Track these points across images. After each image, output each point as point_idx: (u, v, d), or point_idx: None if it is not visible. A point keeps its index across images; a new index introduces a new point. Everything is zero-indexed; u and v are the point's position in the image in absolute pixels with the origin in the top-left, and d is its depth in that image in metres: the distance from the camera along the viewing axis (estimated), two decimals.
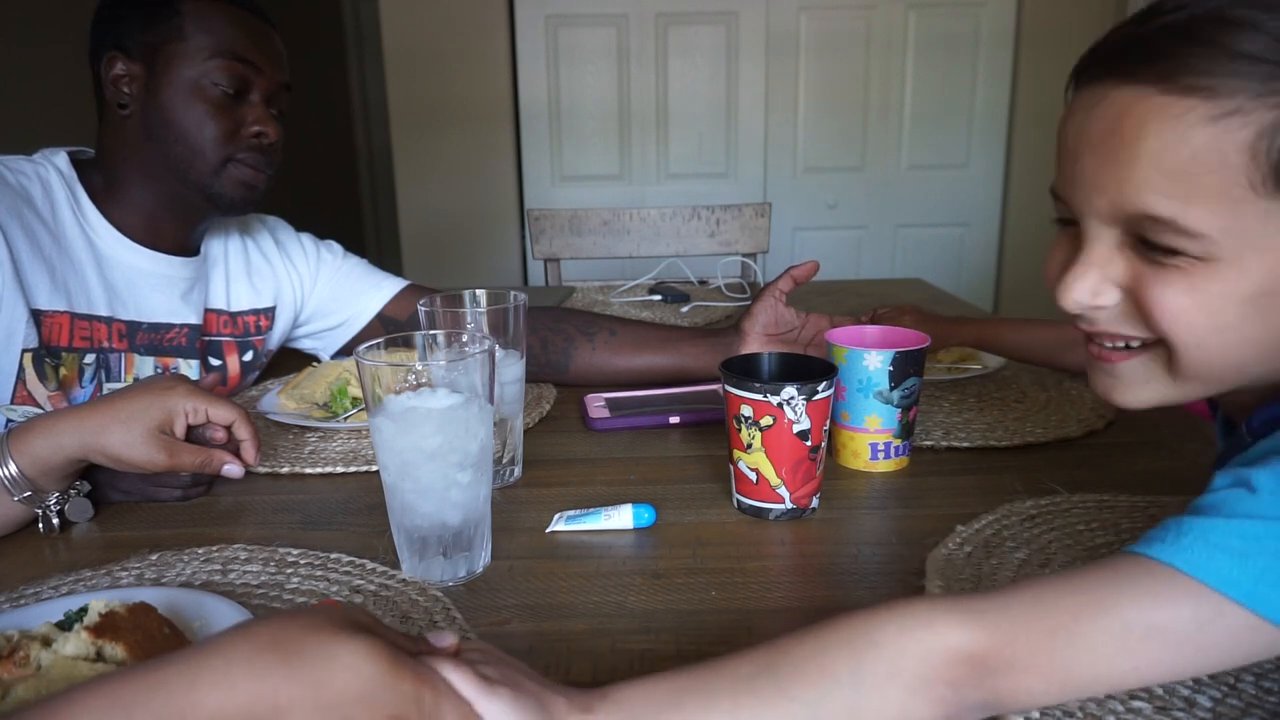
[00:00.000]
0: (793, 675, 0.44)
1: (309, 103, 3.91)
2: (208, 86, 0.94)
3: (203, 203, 0.99)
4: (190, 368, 1.04)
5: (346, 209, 5.19)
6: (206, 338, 1.07)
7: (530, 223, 2.03)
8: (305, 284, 1.17)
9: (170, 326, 1.03)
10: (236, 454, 0.79)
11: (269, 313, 1.13)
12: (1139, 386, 0.53)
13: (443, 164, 3.16)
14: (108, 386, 0.97)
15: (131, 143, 0.96)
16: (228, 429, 0.78)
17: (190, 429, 0.77)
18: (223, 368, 1.09)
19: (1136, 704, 0.49)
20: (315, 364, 1.09)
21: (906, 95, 3.14)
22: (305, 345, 1.23)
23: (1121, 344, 0.53)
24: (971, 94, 3.14)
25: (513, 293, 0.82)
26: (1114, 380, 0.54)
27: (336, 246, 1.22)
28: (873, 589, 0.62)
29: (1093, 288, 0.51)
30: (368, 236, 5.37)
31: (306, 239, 1.19)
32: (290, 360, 1.20)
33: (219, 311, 1.09)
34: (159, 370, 1.02)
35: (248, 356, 1.11)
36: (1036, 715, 0.47)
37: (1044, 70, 3.11)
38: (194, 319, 1.05)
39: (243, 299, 1.11)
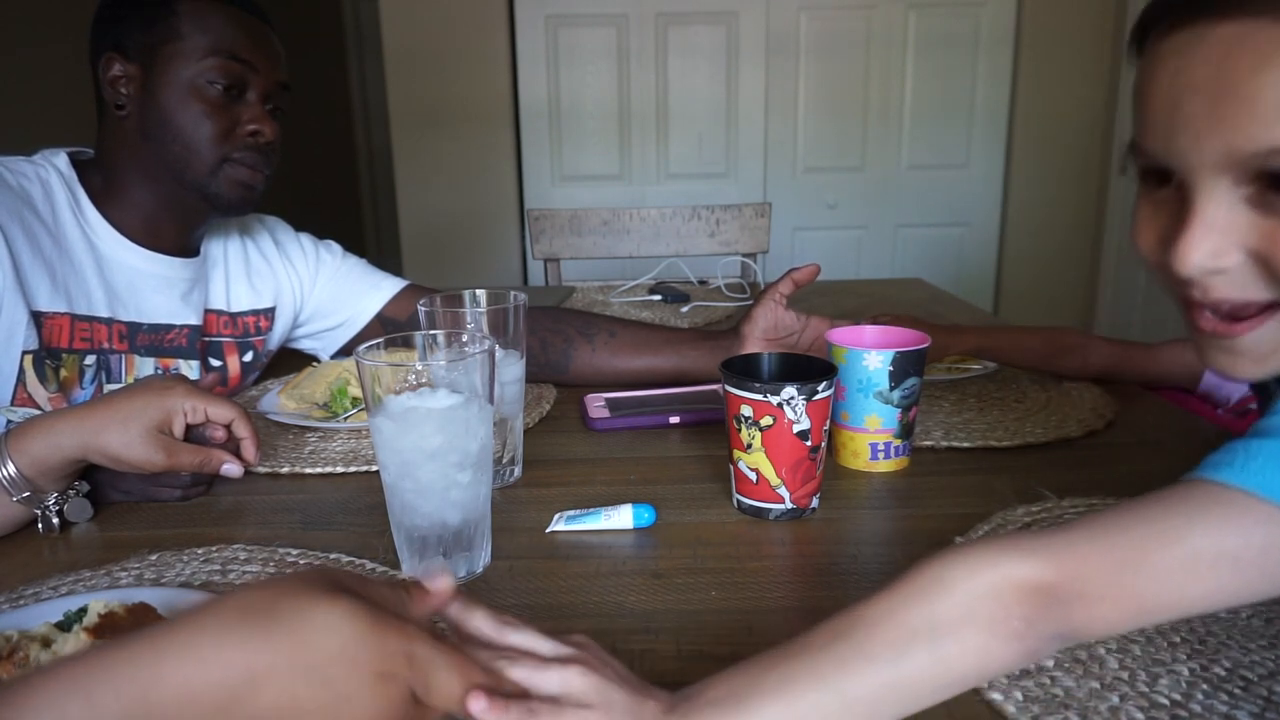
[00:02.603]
0: (870, 636, 0.44)
1: (309, 103, 3.91)
2: (204, 86, 0.94)
3: (200, 203, 0.99)
4: (190, 368, 1.04)
5: (346, 209, 5.19)
6: (207, 338, 1.07)
7: (530, 223, 2.03)
8: (305, 284, 1.17)
9: (170, 327, 1.03)
10: (236, 453, 0.79)
11: (269, 313, 1.13)
12: (1267, 356, 0.47)
13: (443, 164, 3.16)
14: (108, 388, 0.97)
15: (130, 143, 0.96)
16: (227, 428, 0.78)
17: (190, 428, 0.77)
18: (223, 368, 1.09)
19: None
20: (315, 364, 1.09)
21: (906, 95, 3.14)
22: (305, 345, 1.23)
23: (1242, 311, 0.46)
24: (971, 94, 3.14)
25: (513, 293, 0.82)
26: (1235, 355, 0.48)
27: (336, 247, 1.22)
28: (873, 589, 0.62)
29: (1214, 249, 0.45)
30: (368, 236, 5.37)
31: (306, 239, 1.19)
32: (290, 360, 1.20)
33: (219, 312, 1.09)
34: (159, 371, 1.02)
35: (248, 357, 1.11)
36: None
37: (1044, 70, 3.11)
38: (194, 320, 1.05)
39: (243, 300, 1.11)
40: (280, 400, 1.01)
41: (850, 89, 3.13)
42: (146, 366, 1.01)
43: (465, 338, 0.72)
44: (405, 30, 3.05)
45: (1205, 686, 0.51)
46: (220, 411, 0.77)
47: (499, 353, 0.75)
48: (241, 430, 0.79)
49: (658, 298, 1.64)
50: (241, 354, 1.11)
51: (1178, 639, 0.55)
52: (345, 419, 0.96)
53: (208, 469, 0.77)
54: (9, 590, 0.63)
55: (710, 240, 2.02)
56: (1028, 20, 3.07)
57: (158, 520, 0.76)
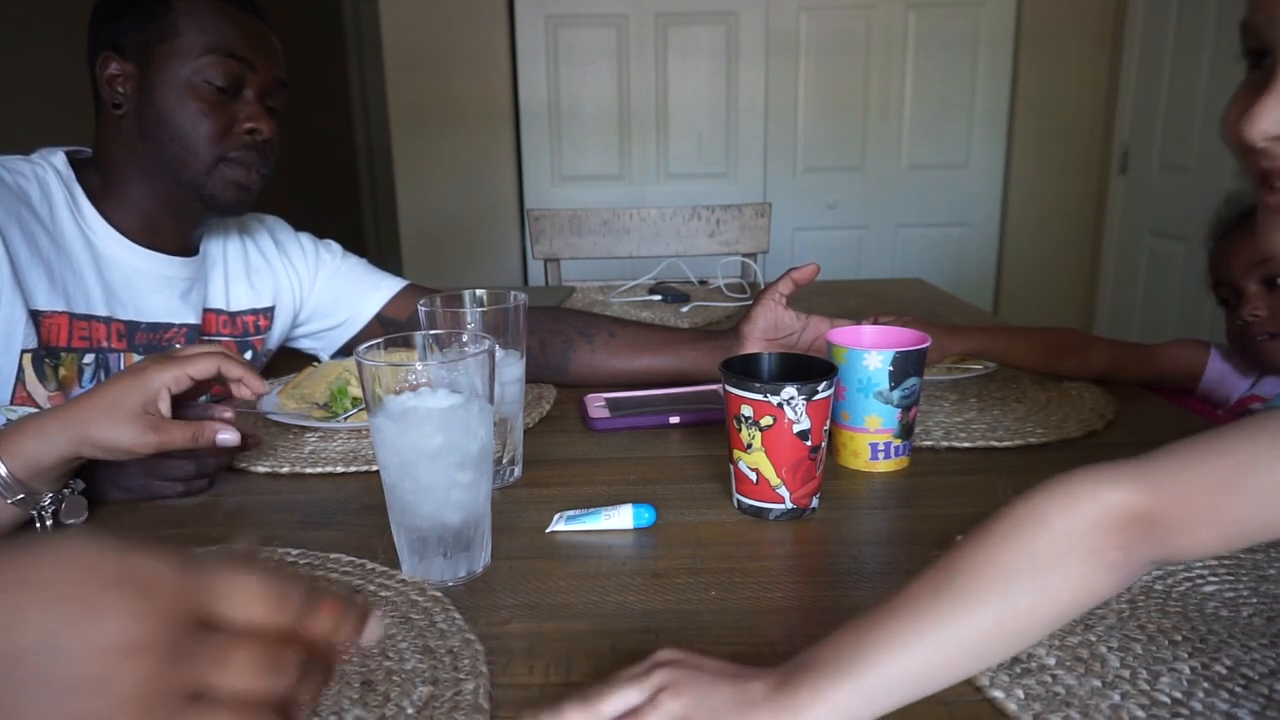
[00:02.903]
0: (974, 580, 0.45)
1: (309, 103, 3.91)
2: (200, 84, 0.94)
3: (196, 203, 0.99)
4: None
5: (346, 209, 5.19)
6: (206, 338, 1.07)
7: (530, 223, 2.03)
8: (304, 284, 1.17)
9: (169, 326, 1.03)
10: (237, 448, 0.79)
11: (268, 312, 1.13)
12: None
13: (443, 164, 3.16)
14: None
15: (127, 142, 0.96)
16: (227, 396, 0.77)
17: (186, 404, 0.77)
18: None
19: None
20: (315, 364, 1.09)
21: (906, 95, 3.14)
22: (305, 345, 1.23)
23: None
24: (971, 94, 3.14)
25: (513, 293, 0.82)
26: None
27: (335, 246, 1.22)
28: (873, 589, 0.62)
29: None
30: (368, 236, 5.37)
31: (305, 239, 1.19)
32: (290, 360, 1.20)
33: (218, 311, 1.09)
34: None
35: (247, 356, 1.11)
36: None
37: (1044, 70, 3.11)
38: (193, 319, 1.05)
39: (242, 299, 1.11)
40: (280, 400, 1.01)
41: (850, 89, 3.13)
42: None
43: (465, 338, 0.72)
44: (405, 30, 3.05)
45: (1206, 685, 0.51)
46: (201, 367, 0.76)
47: (499, 353, 0.75)
48: (233, 371, 0.78)
49: (658, 298, 1.64)
50: (240, 353, 1.11)
51: (1179, 637, 0.55)
52: (345, 419, 0.96)
53: (202, 441, 0.76)
54: None
55: (710, 240, 2.02)
56: (1028, 20, 3.07)
57: (157, 520, 0.76)
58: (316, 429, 0.96)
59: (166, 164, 0.96)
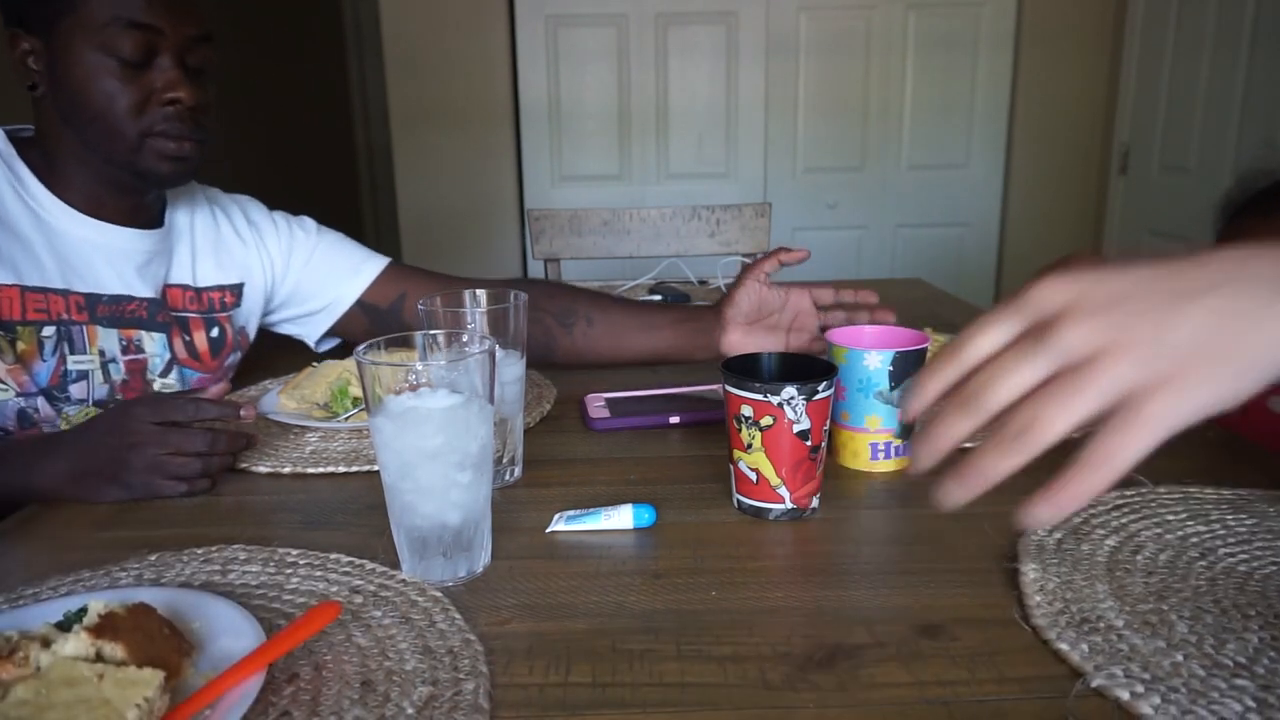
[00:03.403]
0: None
1: (309, 102, 3.91)
2: (106, 59, 0.90)
3: (134, 179, 0.97)
4: (154, 341, 1.04)
5: (346, 209, 5.18)
6: (173, 313, 1.06)
7: (530, 223, 2.03)
8: (276, 263, 1.15)
9: (130, 299, 1.01)
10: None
11: (235, 289, 1.12)
12: None
13: (443, 164, 3.16)
14: (71, 359, 0.96)
15: (54, 122, 0.94)
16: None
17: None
18: (190, 345, 1.08)
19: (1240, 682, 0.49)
20: (315, 364, 1.09)
21: (906, 95, 3.14)
22: (288, 330, 1.21)
23: None
24: (971, 94, 3.15)
25: (513, 292, 0.82)
26: None
27: (310, 222, 1.19)
28: (873, 589, 0.62)
29: None
30: (368, 237, 5.36)
31: (280, 217, 1.17)
32: (290, 360, 1.20)
33: (184, 287, 1.08)
34: (123, 343, 1.01)
35: (214, 333, 1.10)
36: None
37: (1044, 70, 3.11)
38: (150, 293, 1.03)
39: (209, 275, 1.10)
40: (280, 400, 1.01)
41: (850, 89, 3.13)
42: (110, 338, 1.00)
43: (465, 338, 0.72)
44: (405, 30, 3.05)
45: (1272, 653, 0.51)
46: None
47: (499, 353, 0.75)
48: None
49: (658, 298, 1.64)
50: (208, 330, 1.09)
51: (1253, 613, 0.56)
52: (346, 419, 0.96)
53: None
54: (9, 590, 0.63)
55: (710, 240, 2.02)
56: (1028, 20, 3.07)
57: (157, 520, 0.76)
58: (317, 429, 0.96)
59: (93, 144, 0.93)
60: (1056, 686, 0.50)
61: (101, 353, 0.99)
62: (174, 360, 1.06)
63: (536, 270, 3.17)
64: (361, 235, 5.24)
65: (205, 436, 0.79)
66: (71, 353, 0.96)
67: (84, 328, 0.97)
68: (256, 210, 1.17)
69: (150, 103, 0.92)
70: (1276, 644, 0.52)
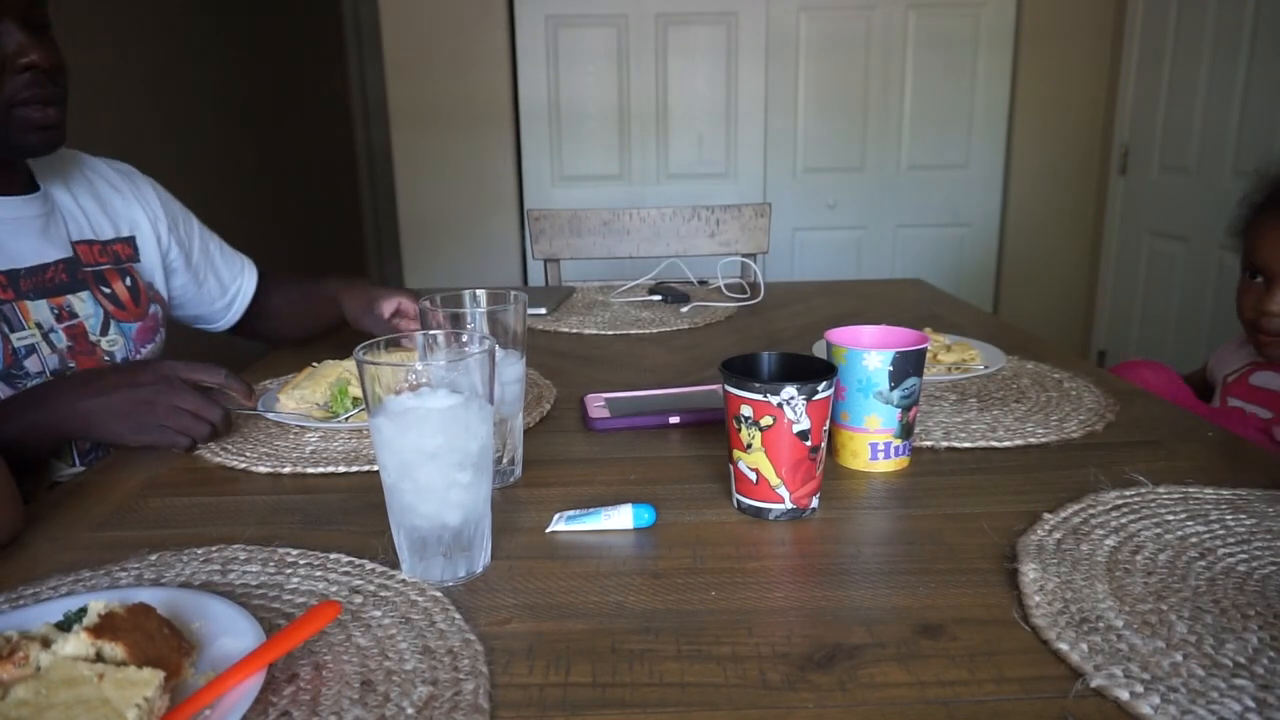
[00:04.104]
0: None
1: (309, 102, 3.91)
2: None
3: (4, 152, 0.97)
4: (84, 303, 1.05)
5: (346, 209, 5.18)
6: (88, 268, 1.07)
7: (530, 223, 2.03)
8: (160, 216, 1.19)
9: (47, 266, 1.02)
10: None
11: (129, 241, 1.15)
12: None
13: (443, 164, 3.16)
14: (14, 337, 0.97)
15: None
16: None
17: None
18: (114, 296, 1.09)
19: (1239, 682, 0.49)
20: (315, 364, 1.09)
21: (906, 95, 3.14)
22: (194, 313, 1.30)
23: None
24: (971, 94, 3.15)
25: (513, 293, 0.82)
26: None
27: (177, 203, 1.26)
28: (873, 589, 0.62)
29: None
30: (367, 236, 5.37)
31: (146, 181, 1.21)
32: (290, 360, 1.20)
33: (90, 242, 1.09)
34: (54, 312, 1.01)
35: (128, 282, 1.12)
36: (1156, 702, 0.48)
37: (1044, 71, 3.11)
38: (62, 253, 1.04)
39: (105, 229, 1.12)
40: (280, 400, 1.01)
41: (850, 89, 3.13)
42: (42, 310, 1.00)
43: (465, 338, 0.72)
44: (405, 30, 3.05)
45: (1272, 653, 0.52)
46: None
47: (499, 353, 0.76)
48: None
49: (658, 298, 1.64)
50: (123, 279, 1.11)
51: (1252, 613, 0.56)
52: (346, 419, 0.96)
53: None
54: (9, 590, 0.63)
55: (710, 240, 2.02)
56: (1028, 20, 3.08)
57: (157, 520, 0.76)
58: (316, 429, 0.96)
59: None
60: (1056, 686, 0.50)
61: (39, 325, 0.99)
62: (109, 316, 1.08)
63: (536, 270, 3.18)
64: (362, 236, 5.21)
65: (220, 407, 0.88)
66: (11, 331, 0.97)
67: (15, 304, 0.98)
68: (122, 165, 1.20)
69: (6, 70, 0.91)
70: (1276, 644, 0.52)
